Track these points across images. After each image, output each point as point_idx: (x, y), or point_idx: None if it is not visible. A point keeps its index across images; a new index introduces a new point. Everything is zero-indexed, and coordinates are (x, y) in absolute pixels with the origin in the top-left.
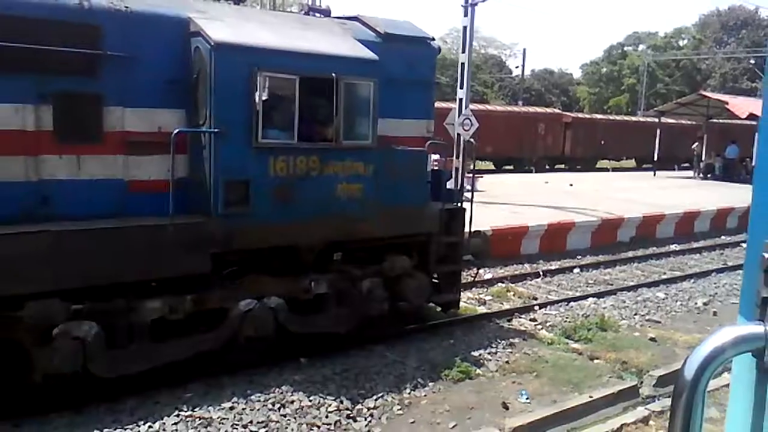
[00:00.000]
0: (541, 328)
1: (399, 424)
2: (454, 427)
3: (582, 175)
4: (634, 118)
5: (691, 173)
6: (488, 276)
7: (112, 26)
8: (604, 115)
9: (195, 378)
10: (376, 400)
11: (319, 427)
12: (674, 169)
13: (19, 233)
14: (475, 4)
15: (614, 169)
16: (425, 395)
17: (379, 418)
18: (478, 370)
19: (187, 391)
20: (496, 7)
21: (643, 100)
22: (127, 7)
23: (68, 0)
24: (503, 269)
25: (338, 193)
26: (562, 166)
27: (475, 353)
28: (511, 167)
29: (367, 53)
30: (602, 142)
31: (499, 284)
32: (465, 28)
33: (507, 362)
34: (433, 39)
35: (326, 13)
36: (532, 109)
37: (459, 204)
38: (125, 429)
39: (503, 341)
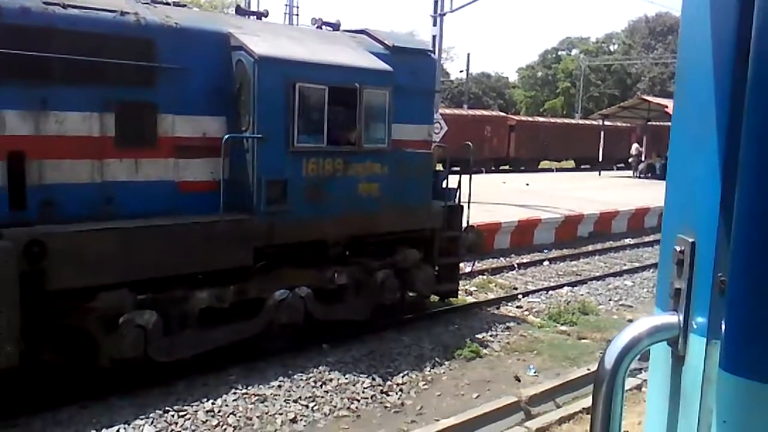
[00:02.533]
0: (528, 314)
1: (427, 397)
2: (477, 397)
3: (534, 176)
4: (573, 121)
5: (630, 173)
6: (468, 269)
7: (165, 40)
8: (539, 117)
9: (232, 363)
10: (402, 377)
11: (359, 400)
12: (613, 169)
13: (93, 230)
14: (444, 15)
15: (558, 170)
16: (444, 372)
17: (409, 392)
18: (485, 350)
19: (230, 374)
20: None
21: (580, 104)
22: (176, 23)
23: (126, 17)
24: (480, 263)
25: (359, 191)
26: (507, 166)
27: (479, 336)
28: (458, 168)
29: (384, 65)
30: (545, 144)
31: (480, 276)
32: (434, 37)
33: (508, 343)
34: (432, 51)
35: (336, 26)
36: (479, 112)
37: (457, 202)
38: (191, 406)
39: (500, 325)
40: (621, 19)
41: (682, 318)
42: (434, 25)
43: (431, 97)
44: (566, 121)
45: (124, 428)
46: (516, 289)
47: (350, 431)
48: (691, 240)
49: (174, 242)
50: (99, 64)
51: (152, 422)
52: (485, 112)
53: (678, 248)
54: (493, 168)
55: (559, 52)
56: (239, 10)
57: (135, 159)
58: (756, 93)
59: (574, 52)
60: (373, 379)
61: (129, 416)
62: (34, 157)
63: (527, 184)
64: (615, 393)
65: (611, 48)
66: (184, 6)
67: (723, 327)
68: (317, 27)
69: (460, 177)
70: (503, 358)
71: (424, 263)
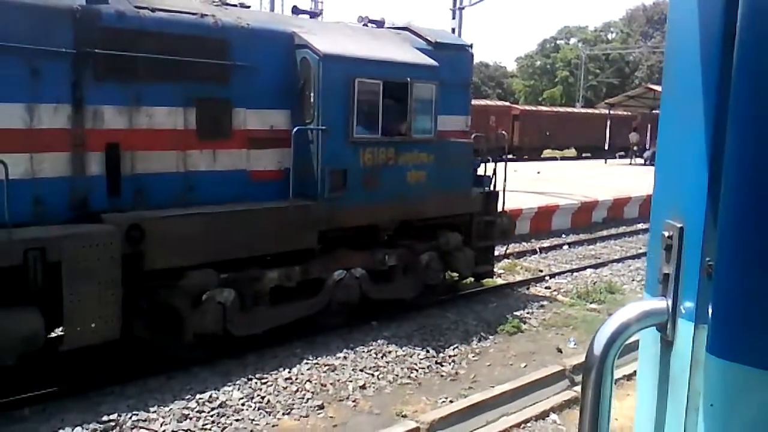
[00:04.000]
0: (557, 294)
1: (479, 366)
2: (525, 366)
3: (541, 164)
4: (575, 110)
5: (639, 160)
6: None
7: (238, 41)
8: (542, 106)
9: (295, 338)
10: (453, 349)
11: (417, 370)
12: (615, 157)
13: (183, 215)
14: (463, 8)
15: (562, 158)
16: (490, 345)
17: (461, 363)
18: (525, 326)
19: (295, 347)
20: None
21: (581, 93)
22: (247, 23)
23: (205, 19)
24: (503, 247)
25: (409, 179)
26: (511, 155)
27: (517, 313)
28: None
29: (431, 61)
30: (547, 133)
31: (505, 260)
32: (453, 29)
33: (544, 320)
34: (471, 46)
35: (381, 24)
36: (483, 102)
37: (492, 188)
38: (270, 374)
39: (534, 304)
40: (619, 8)
41: (670, 303)
42: (453, 18)
43: (468, 89)
44: (568, 110)
45: (215, 393)
46: (541, 271)
47: (415, 396)
48: (679, 225)
49: (252, 226)
50: (183, 62)
51: (238, 388)
52: (489, 102)
53: (666, 234)
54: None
55: (558, 41)
56: (295, 10)
57: (213, 150)
58: (742, 80)
59: (572, 41)
60: (428, 351)
61: (216, 384)
62: (127, 149)
63: (538, 172)
64: (604, 378)
65: (609, 37)
66: (249, 7)
67: (710, 311)
68: (363, 24)
69: (496, 165)
70: (543, 333)
71: (464, 246)
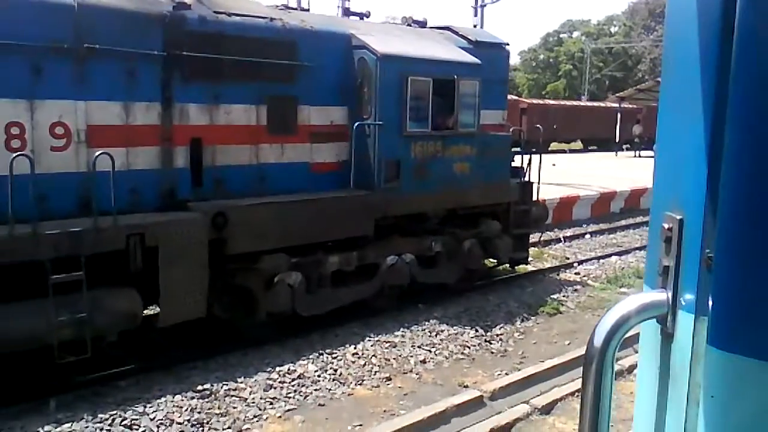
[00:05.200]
0: (587, 279)
1: (525, 344)
2: (569, 344)
3: (556, 156)
4: (581, 103)
5: (645, 152)
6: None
7: (303, 42)
8: (549, 100)
9: (350, 319)
10: (499, 329)
11: (469, 347)
12: (623, 149)
13: (261, 203)
14: (484, 6)
15: (571, 151)
16: (533, 325)
17: (507, 341)
18: (563, 308)
19: (353, 327)
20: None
21: (586, 86)
22: (311, 26)
23: (275, 22)
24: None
25: (454, 170)
26: (517, 149)
27: (553, 296)
28: None
29: (475, 59)
30: (555, 126)
31: (533, 248)
32: (474, 26)
33: (580, 302)
34: (508, 44)
35: (423, 24)
36: None
37: (528, 179)
38: (338, 350)
39: (568, 288)
40: (621, 1)
41: (670, 295)
42: (475, 15)
43: (505, 85)
44: (575, 103)
45: (292, 366)
46: (568, 258)
47: (471, 370)
48: (678, 217)
49: (319, 214)
50: (256, 63)
51: (312, 362)
52: None
53: (666, 225)
54: None
55: (561, 35)
56: (346, 12)
57: (281, 144)
58: (741, 70)
59: (575, 34)
60: (476, 330)
61: (292, 358)
62: (208, 144)
63: (554, 164)
64: (605, 371)
65: (612, 30)
66: (307, 10)
67: (710, 303)
68: (407, 25)
69: (531, 156)
70: (580, 314)
71: (502, 233)
